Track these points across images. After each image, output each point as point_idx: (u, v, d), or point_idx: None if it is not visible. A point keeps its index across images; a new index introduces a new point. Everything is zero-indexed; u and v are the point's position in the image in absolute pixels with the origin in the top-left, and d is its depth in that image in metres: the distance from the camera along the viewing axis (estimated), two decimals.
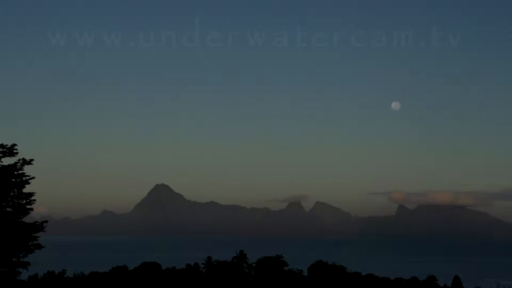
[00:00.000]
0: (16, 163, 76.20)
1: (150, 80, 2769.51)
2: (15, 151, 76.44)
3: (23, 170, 76.26)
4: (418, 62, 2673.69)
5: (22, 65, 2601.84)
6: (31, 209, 76.74)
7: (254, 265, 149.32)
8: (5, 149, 76.24)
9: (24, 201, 76.12)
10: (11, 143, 76.41)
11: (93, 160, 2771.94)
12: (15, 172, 75.92)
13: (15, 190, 75.89)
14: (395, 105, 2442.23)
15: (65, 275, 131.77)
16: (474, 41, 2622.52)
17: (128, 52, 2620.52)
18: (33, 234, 76.12)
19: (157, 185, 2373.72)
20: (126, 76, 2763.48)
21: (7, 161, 76.36)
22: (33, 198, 76.28)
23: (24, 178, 76.17)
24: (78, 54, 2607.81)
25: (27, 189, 76.18)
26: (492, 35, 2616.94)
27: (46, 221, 77.87)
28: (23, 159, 76.35)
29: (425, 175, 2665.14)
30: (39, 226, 76.43)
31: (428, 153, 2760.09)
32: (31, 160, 76.52)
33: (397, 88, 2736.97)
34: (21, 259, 75.96)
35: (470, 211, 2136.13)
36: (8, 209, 75.93)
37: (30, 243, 75.99)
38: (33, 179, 76.45)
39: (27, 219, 78.04)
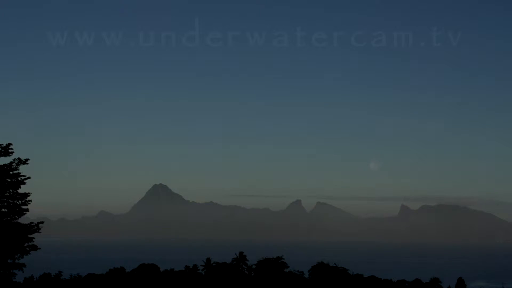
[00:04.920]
0: (11, 162, 74.86)
1: (150, 80, 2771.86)
2: (10, 150, 74.96)
3: (18, 170, 74.87)
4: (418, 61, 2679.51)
5: (22, 65, 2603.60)
6: (27, 210, 75.41)
7: (254, 267, 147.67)
8: (0, 149, 74.60)
9: (20, 201, 74.81)
10: (7, 142, 74.87)
11: (91, 160, 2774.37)
12: (11, 172, 74.53)
13: (10, 190, 74.59)
14: (373, 165, 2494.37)
15: (61, 277, 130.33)
16: (474, 41, 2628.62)
17: (128, 52, 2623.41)
18: (29, 235, 74.79)
19: (155, 185, 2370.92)
20: (125, 76, 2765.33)
21: (2, 160, 75.10)
22: (28, 198, 75.07)
23: (19, 178, 74.82)
24: (78, 54, 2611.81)
25: (22, 189, 75.06)
26: (492, 35, 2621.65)
27: (42, 222, 76.54)
28: (19, 158, 75.00)
29: (428, 176, 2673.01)
30: (35, 227, 75.03)
31: (430, 153, 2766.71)
32: (27, 159, 75.00)
33: (397, 84, 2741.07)
34: (16, 261, 74.74)
35: (474, 212, 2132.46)
36: (3, 209, 74.59)
37: (26, 244, 74.70)
38: (28, 179, 74.97)
39: (22, 220, 76.63)
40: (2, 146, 75.05)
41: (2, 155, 74.87)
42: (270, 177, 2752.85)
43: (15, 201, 74.82)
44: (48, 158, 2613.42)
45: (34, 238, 75.38)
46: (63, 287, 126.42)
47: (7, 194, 74.62)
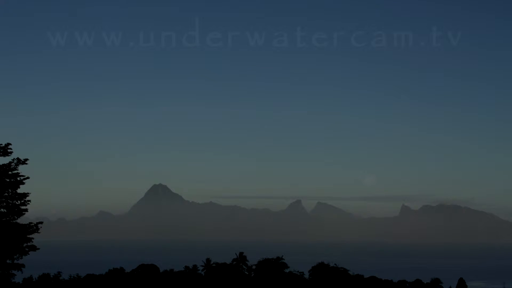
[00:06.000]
0: (10, 162, 73.97)
1: (150, 80, 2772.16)
2: (9, 150, 74.20)
3: (17, 170, 74.03)
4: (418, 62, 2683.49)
5: (22, 65, 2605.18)
6: (26, 210, 74.58)
7: (254, 267, 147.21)
8: None
9: (19, 201, 73.92)
10: (5, 142, 74.21)
11: (90, 160, 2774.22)
12: (9, 172, 73.71)
13: (9, 190, 73.69)
14: (370, 180, 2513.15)
15: (60, 278, 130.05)
16: (474, 41, 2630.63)
17: (128, 52, 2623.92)
18: (28, 236, 73.97)
19: (155, 185, 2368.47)
20: (126, 76, 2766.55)
21: (1, 160, 74.18)
22: (27, 198, 74.17)
23: (18, 178, 73.91)
24: (78, 54, 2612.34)
25: (21, 189, 74.01)
26: (492, 35, 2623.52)
27: (41, 222, 75.71)
28: (18, 158, 74.12)
29: (429, 176, 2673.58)
30: (34, 227, 74.20)
31: (430, 153, 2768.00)
32: (26, 159, 74.29)
33: (399, 84, 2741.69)
34: (15, 261, 73.86)
35: (475, 212, 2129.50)
36: (2, 210, 73.77)
37: (25, 244, 73.85)
38: (28, 179, 74.29)
39: (21, 220, 75.86)
40: (1, 146, 74.29)
41: (1, 155, 74.10)
42: (270, 177, 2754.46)
43: (14, 201, 73.97)
44: (48, 158, 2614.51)
45: (33, 238, 74.56)
46: None
47: (6, 194, 73.78)
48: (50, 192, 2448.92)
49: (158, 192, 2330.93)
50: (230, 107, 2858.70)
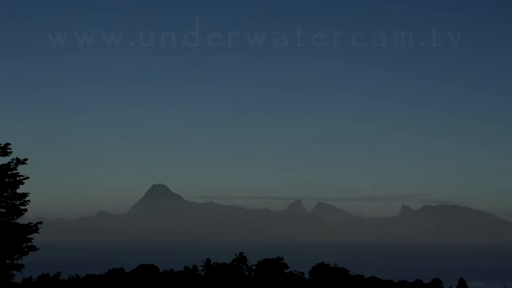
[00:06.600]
0: (9, 162, 73.97)
1: (150, 80, 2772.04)
2: (8, 150, 74.14)
3: (17, 170, 74.00)
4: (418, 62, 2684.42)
5: (22, 65, 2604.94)
6: (25, 210, 74.49)
7: (254, 267, 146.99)
8: None
9: (18, 201, 73.94)
10: (5, 142, 74.10)
11: (90, 160, 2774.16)
12: (9, 172, 73.64)
13: (9, 190, 73.69)
14: (367, 185, 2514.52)
15: (60, 278, 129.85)
16: (474, 41, 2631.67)
17: (128, 52, 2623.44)
18: (27, 236, 73.93)
19: (154, 185, 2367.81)
20: (125, 76, 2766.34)
21: (1, 160, 74.25)
22: (27, 198, 74.16)
23: (18, 178, 73.92)
24: (78, 54, 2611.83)
25: (21, 189, 74.07)
26: (492, 35, 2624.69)
27: (41, 223, 75.63)
28: (17, 158, 74.06)
29: (429, 176, 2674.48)
30: (33, 227, 74.19)
31: (430, 153, 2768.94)
32: (25, 159, 74.18)
33: (399, 86, 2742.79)
34: (14, 261, 73.80)
35: (475, 212, 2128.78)
36: (1, 210, 73.71)
37: (24, 245, 73.88)
38: (27, 179, 74.18)
39: (21, 220, 75.78)
40: (1, 146, 74.25)
41: (1, 155, 74.07)
42: (270, 177, 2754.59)
43: (13, 201, 73.94)
44: (47, 158, 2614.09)
45: (32, 238, 74.54)
46: None
47: (5, 194, 73.74)
48: (50, 192, 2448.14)
49: (158, 192, 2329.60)
50: (230, 107, 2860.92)
